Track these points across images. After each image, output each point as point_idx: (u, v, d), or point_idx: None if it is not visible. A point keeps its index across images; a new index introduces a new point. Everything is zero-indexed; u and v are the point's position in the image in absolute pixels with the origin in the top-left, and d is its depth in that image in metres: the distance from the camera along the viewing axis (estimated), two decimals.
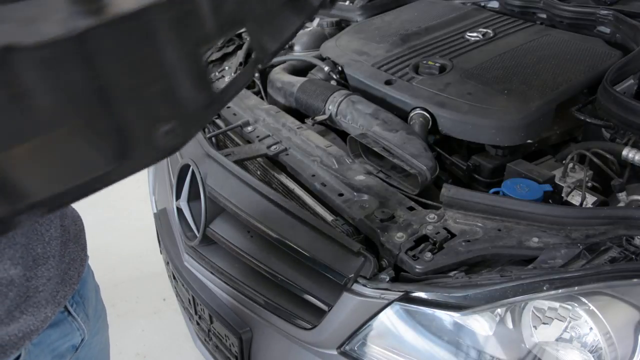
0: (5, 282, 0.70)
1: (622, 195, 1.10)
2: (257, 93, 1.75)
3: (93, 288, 0.97)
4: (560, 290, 0.84)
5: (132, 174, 0.42)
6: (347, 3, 2.22)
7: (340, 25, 2.03)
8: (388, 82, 1.47)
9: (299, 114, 1.55)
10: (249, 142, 1.44)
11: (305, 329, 1.08)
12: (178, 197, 1.42)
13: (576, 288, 0.84)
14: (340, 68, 1.64)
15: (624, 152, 1.15)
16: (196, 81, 0.43)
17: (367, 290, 0.97)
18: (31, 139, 0.36)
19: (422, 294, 0.93)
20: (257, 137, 1.41)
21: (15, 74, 0.34)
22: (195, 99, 0.43)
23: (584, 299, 0.85)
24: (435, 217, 1.07)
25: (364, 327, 0.99)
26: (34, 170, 0.37)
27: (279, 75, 1.70)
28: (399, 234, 1.04)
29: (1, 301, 0.70)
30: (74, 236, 0.87)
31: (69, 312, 0.86)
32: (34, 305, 0.75)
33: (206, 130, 1.55)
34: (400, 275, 1.00)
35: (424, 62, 1.52)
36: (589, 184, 1.12)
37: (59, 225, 0.81)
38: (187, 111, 0.43)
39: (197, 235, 1.32)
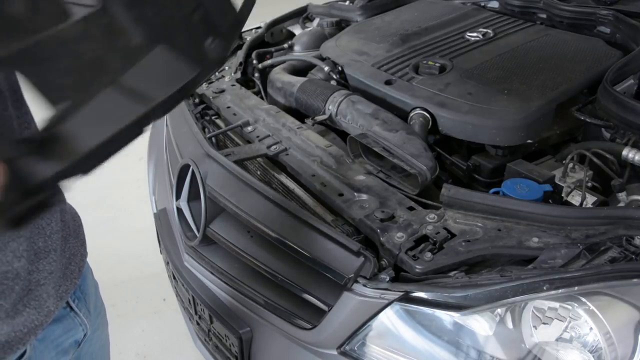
0: (11, 276, 0.71)
1: (622, 195, 1.10)
2: (257, 93, 1.75)
3: (93, 285, 0.99)
4: (560, 290, 0.84)
5: (207, 76, 0.74)
6: (347, 3, 2.22)
7: (340, 25, 2.03)
8: (388, 82, 1.47)
9: (299, 114, 1.55)
10: (249, 142, 1.44)
11: (305, 329, 1.08)
12: (178, 197, 1.42)
13: (576, 288, 0.84)
14: (340, 68, 1.64)
15: (624, 152, 1.15)
16: (223, 6, 0.60)
17: (367, 290, 0.97)
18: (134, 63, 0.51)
19: (422, 294, 0.93)
20: (257, 137, 1.41)
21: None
22: (225, 20, 0.60)
23: (584, 299, 0.85)
24: (435, 217, 1.07)
25: (364, 327, 0.99)
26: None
27: (279, 75, 1.70)
28: (399, 234, 1.04)
29: (8, 294, 0.71)
30: (74, 231, 0.88)
31: (71, 308, 0.88)
32: (36, 298, 0.76)
33: (206, 130, 1.55)
34: (400, 275, 1.00)
35: (424, 62, 1.52)
36: (589, 184, 1.12)
37: (59, 220, 0.82)
38: (221, 29, 0.59)
39: (197, 235, 1.32)
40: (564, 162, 1.18)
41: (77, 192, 1.17)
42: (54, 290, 0.80)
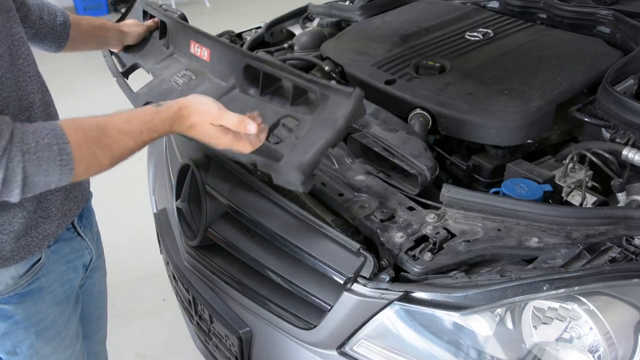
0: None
1: (622, 195, 1.10)
2: None
3: (96, 227, 1.19)
4: (560, 290, 0.84)
5: None
6: (347, 3, 2.22)
7: (340, 25, 2.03)
8: (388, 82, 1.47)
9: None
10: None
11: (305, 329, 1.08)
12: (178, 197, 1.42)
13: (576, 288, 0.84)
14: (340, 68, 1.64)
15: (624, 152, 1.15)
16: None
17: (367, 290, 0.97)
18: None
19: (422, 294, 0.93)
20: None
21: None
22: None
23: (584, 299, 0.85)
24: (435, 217, 1.07)
25: (363, 327, 0.99)
26: None
27: None
28: (399, 234, 1.04)
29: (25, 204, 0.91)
30: None
31: (78, 233, 1.07)
32: (45, 209, 0.95)
33: None
34: (400, 275, 1.00)
35: (424, 62, 1.52)
36: (589, 184, 1.12)
37: None
38: None
39: (197, 235, 1.32)
40: (564, 162, 1.18)
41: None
42: (60, 207, 0.98)
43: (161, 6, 1.45)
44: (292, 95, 1.03)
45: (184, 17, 1.36)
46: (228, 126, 0.90)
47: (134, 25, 1.39)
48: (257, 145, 0.94)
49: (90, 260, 1.12)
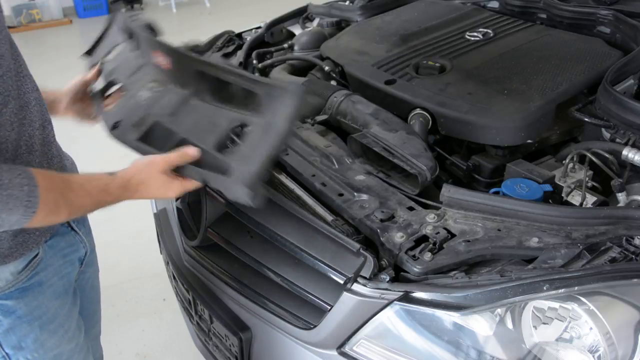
0: None
1: (622, 195, 1.10)
2: None
3: (87, 219, 1.20)
4: (560, 290, 0.84)
5: None
6: (347, 3, 2.22)
7: (340, 25, 2.03)
8: (388, 82, 1.47)
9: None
10: None
11: (305, 329, 1.08)
12: (178, 197, 1.42)
13: (576, 288, 0.84)
14: (340, 68, 1.64)
15: (624, 152, 1.15)
16: None
17: (367, 290, 0.97)
18: None
19: (422, 294, 0.93)
20: None
21: None
22: None
23: (584, 299, 0.85)
24: (435, 217, 1.07)
25: (363, 327, 0.99)
26: None
27: (279, 75, 1.70)
28: (399, 234, 1.04)
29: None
30: (70, 170, 1.12)
31: (72, 227, 1.09)
32: None
33: None
34: (400, 275, 1.00)
35: (424, 62, 1.52)
36: (589, 184, 1.12)
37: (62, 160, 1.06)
38: None
39: (197, 235, 1.32)
40: (564, 162, 1.18)
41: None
42: None
43: (132, 16, 1.39)
44: (243, 98, 1.04)
45: (152, 27, 1.34)
46: (173, 163, 0.99)
47: (66, 94, 1.27)
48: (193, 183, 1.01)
49: (85, 254, 1.14)
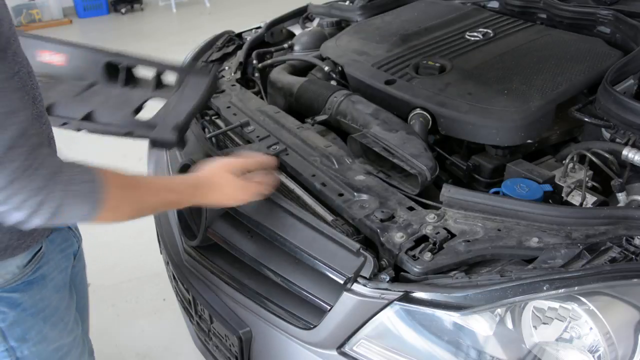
0: None
1: (622, 195, 1.10)
2: (257, 93, 1.75)
3: None
4: (560, 290, 0.84)
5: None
6: (347, 3, 2.22)
7: (340, 25, 2.03)
8: (388, 82, 1.47)
9: (299, 114, 1.55)
10: (249, 142, 1.44)
11: (305, 329, 1.08)
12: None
13: (576, 288, 0.84)
14: (340, 68, 1.64)
15: (624, 152, 1.15)
16: None
17: (367, 290, 0.97)
18: None
19: (422, 294, 0.93)
20: (257, 137, 1.41)
21: None
22: None
23: (584, 299, 0.85)
24: (435, 217, 1.07)
25: (363, 327, 0.99)
26: None
27: (279, 76, 1.70)
28: (399, 234, 1.04)
29: None
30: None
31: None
32: None
33: (206, 130, 1.55)
34: (400, 275, 1.00)
35: (424, 62, 1.52)
36: (589, 184, 1.12)
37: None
38: None
39: (197, 235, 1.32)
40: (564, 162, 1.18)
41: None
42: None
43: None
44: (155, 82, 1.22)
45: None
46: (248, 168, 1.04)
47: None
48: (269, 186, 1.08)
49: (78, 248, 1.17)
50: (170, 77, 1.27)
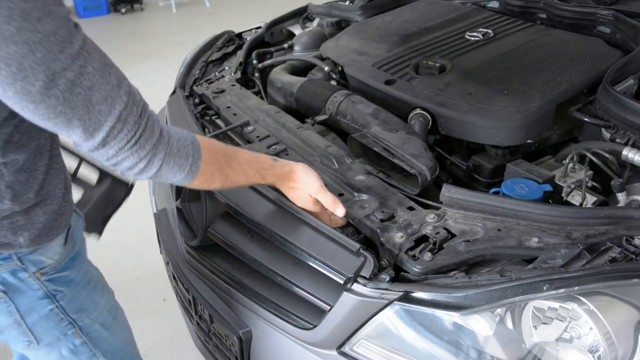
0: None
1: (622, 195, 1.10)
2: (257, 93, 1.75)
3: None
4: (560, 290, 0.84)
5: None
6: (347, 3, 2.22)
7: (340, 25, 2.03)
8: (388, 82, 1.47)
9: (299, 114, 1.55)
10: (249, 142, 1.44)
11: (305, 329, 1.08)
12: (178, 197, 1.42)
13: (576, 288, 0.84)
14: (340, 68, 1.64)
15: (624, 152, 1.15)
16: None
17: (367, 290, 0.97)
18: None
19: (422, 294, 0.93)
20: (257, 137, 1.41)
21: None
22: None
23: (584, 299, 0.85)
24: (435, 217, 1.07)
25: (363, 327, 0.99)
26: None
27: (279, 76, 1.70)
28: (399, 234, 1.04)
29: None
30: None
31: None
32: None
33: (206, 130, 1.55)
34: (400, 276, 1.00)
35: (424, 62, 1.52)
36: (589, 184, 1.12)
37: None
38: None
39: (197, 235, 1.32)
40: (564, 162, 1.18)
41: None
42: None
43: None
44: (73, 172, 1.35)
45: None
46: (322, 203, 1.10)
47: None
48: (335, 225, 1.12)
49: (83, 226, 1.22)
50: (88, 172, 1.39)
